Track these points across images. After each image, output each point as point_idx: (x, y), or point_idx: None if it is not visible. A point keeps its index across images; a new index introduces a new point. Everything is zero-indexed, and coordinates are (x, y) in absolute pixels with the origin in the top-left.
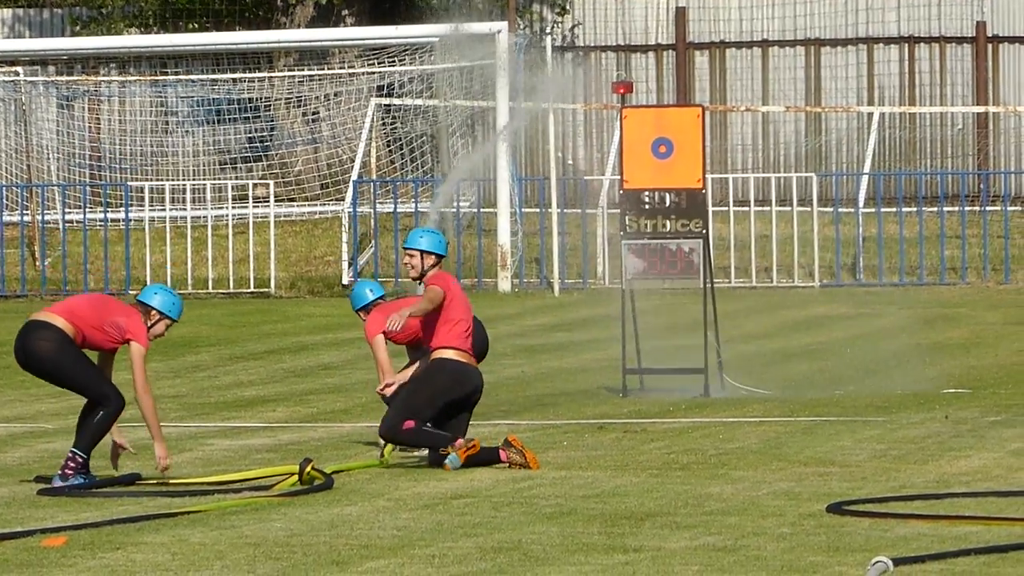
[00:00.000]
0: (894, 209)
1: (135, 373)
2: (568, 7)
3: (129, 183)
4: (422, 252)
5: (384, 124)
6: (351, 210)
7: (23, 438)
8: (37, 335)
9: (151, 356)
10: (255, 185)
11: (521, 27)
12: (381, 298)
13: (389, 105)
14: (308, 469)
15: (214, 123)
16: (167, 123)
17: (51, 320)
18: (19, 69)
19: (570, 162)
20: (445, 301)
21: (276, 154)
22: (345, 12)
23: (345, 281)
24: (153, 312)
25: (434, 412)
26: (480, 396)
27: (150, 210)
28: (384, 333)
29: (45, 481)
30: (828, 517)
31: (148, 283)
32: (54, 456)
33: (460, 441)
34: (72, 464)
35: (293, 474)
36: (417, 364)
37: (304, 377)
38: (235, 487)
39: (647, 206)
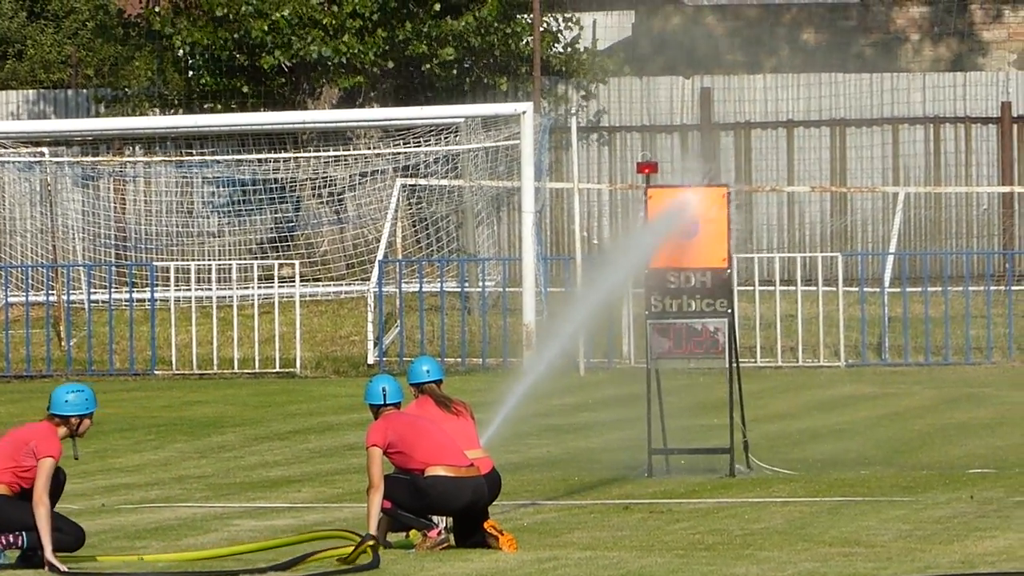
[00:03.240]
0: (920, 289)
1: (38, 482)
2: (594, 91)
3: (155, 263)
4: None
5: (410, 204)
6: (377, 290)
7: None
8: None
9: (176, 436)
10: (281, 265)
11: (547, 108)
12: (438, 382)
13: (415, 185)
14: (364, 548)
15: (239, 203)
16: (192, 203)
17: None
18: (44, 149)
19: (595, 241)
20: (394, 440)
21: (302, 234)
22: (372, 94)
23: (371, 361)
24: (72, 419)
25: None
26: (484, 501)
27: (176, 290)
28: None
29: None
30: None
31: (173, 364)
32: None
33: (432, 535)
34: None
35: (351, 543)
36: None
37: (330, 457)
38: (261, 568)
39: (672, 285)
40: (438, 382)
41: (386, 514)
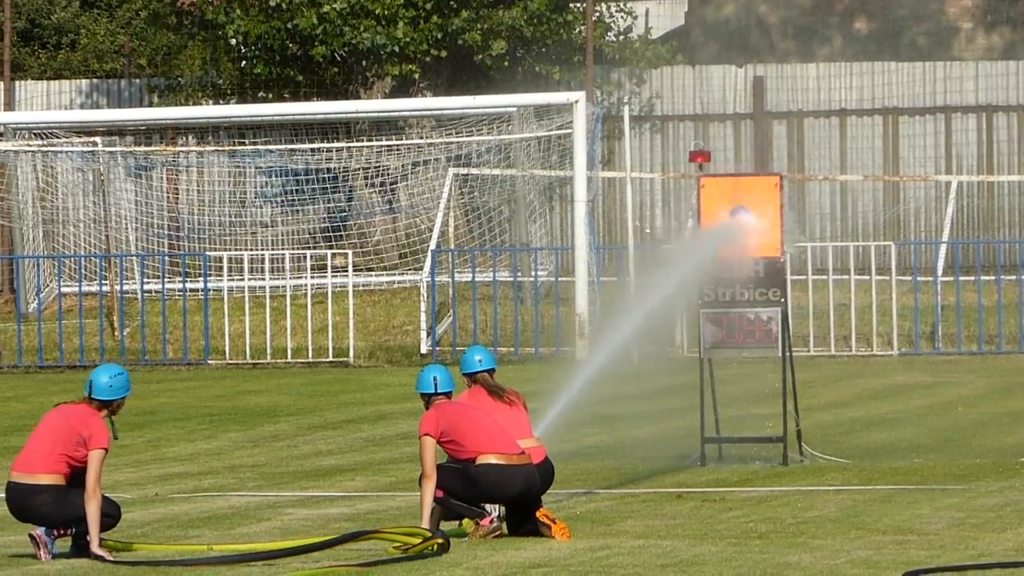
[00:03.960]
0: (972, 277)
1: (90, 474)
2: (647, 78)
3: (208, 253)
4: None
5: (462, 194)
6: (429, 279)
7: None
8: (34, 501)
9: (229, 426)
10: (334, 255)
11: (599, 97)
12: (491, 371)
13: (467, 175)
14: (432, 544)
15: (292, 193)
16: (245, 193)
17: (40, 481)
18: (97, 139)
19: (648, 231)
20: (446, 429)
21: (355, 224)
22: (424, 83)
23: (423, 350)
24: (115, 402)
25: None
26: (537, 489)
27: (228, 280)
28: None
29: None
30: None
31: (226, 353)
32: (132, 525)
33: (485, 523)
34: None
35: (423, 537)
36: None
37: (383, 446)
38: (312, 546)
39: (725, 274)
40: (491, 371)
41: (438, 503)
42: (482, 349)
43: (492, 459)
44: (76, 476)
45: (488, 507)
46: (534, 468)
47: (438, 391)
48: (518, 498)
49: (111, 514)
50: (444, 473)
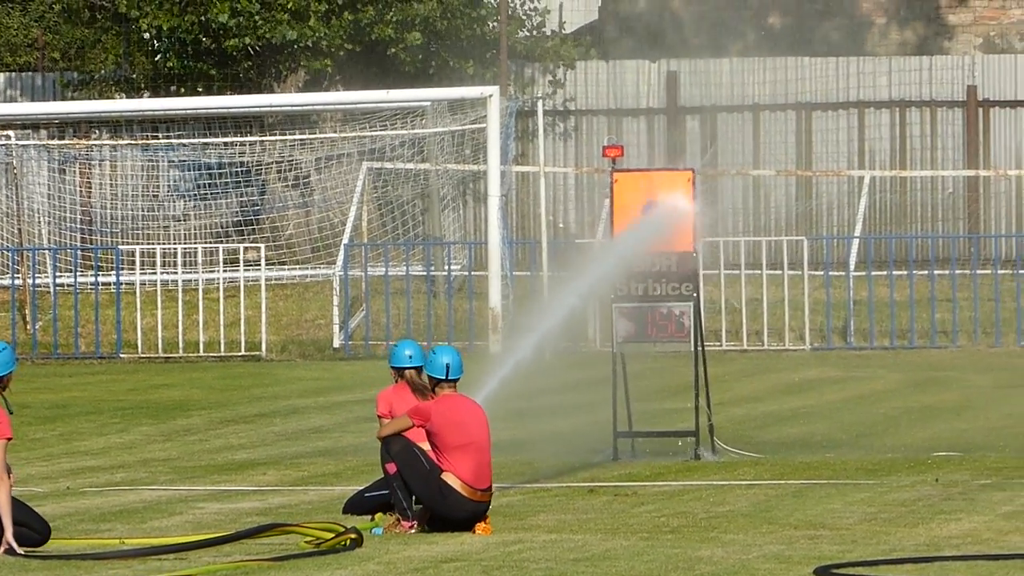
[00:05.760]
0: (885, 272)
1: None
2: (560, 79)
3: (120, 247)
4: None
5: (375, 188)
6: (342, 273)
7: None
8: None
9: (142, 419)
10: (246, 249)
11: (513, 92)
12: (419, 369)
13: (380, 169)
14: (344, 539)
15: (205, 187)
16: (158, 187)
17: None
18: (10, 133)
19: (561, 225)
20: (434, 430)
21: (267, 218)
22: (338, 78)
23: (336, 344)
24: (5, 378)
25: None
26: (476, 521)
27: (141, 274)
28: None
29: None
30: None
31: (138, 347)
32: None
33: (406, 526)
34: None
35: (335, 532)
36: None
37: (295, 440)
38: (224, 538)
39: (638, 269)
40: (418, 369)
41: (388, 479)
42: (414, 345)
43: (457, 485)
44: None
45: (417, 510)
46: (487, 506)
47: (449, 377)
48: (456, 524)
49: (40, 531)
50: (413, 462)
